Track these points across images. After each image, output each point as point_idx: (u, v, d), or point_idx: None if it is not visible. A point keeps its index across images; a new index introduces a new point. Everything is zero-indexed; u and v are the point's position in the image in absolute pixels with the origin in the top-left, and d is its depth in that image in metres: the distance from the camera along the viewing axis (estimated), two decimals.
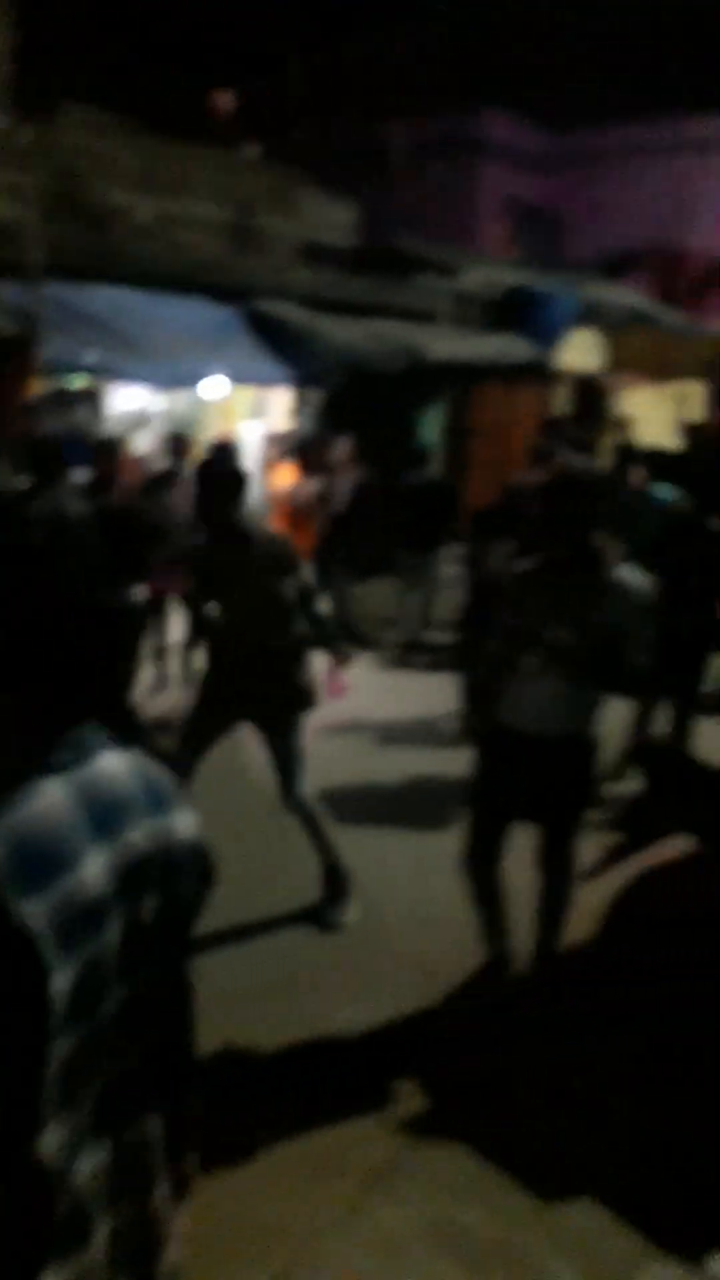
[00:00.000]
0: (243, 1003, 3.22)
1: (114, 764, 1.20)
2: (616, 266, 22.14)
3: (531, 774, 3.12)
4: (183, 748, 4.00)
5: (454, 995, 3.41)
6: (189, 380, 8.59)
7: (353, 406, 9.63)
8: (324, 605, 4.31)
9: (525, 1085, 2.99)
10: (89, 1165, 1.15)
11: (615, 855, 3.56)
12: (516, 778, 3.16)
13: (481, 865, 3.31)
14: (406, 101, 21.06)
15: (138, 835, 1.18)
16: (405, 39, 21.07)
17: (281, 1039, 3.17)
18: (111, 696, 1.33)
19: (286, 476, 8.20)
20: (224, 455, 6.96)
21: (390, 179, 13.71)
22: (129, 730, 1.28)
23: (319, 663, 4.07)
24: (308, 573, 4.11)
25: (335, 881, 4.06)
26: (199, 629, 4.67)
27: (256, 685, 3.89)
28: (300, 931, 3.88)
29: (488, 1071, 3.04)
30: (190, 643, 6.16)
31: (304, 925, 3.90)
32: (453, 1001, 3.38)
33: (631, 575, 3.14)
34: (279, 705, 3.96)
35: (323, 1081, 2.96)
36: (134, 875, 1.16)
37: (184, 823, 1.27)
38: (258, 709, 3.97)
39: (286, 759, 3.97)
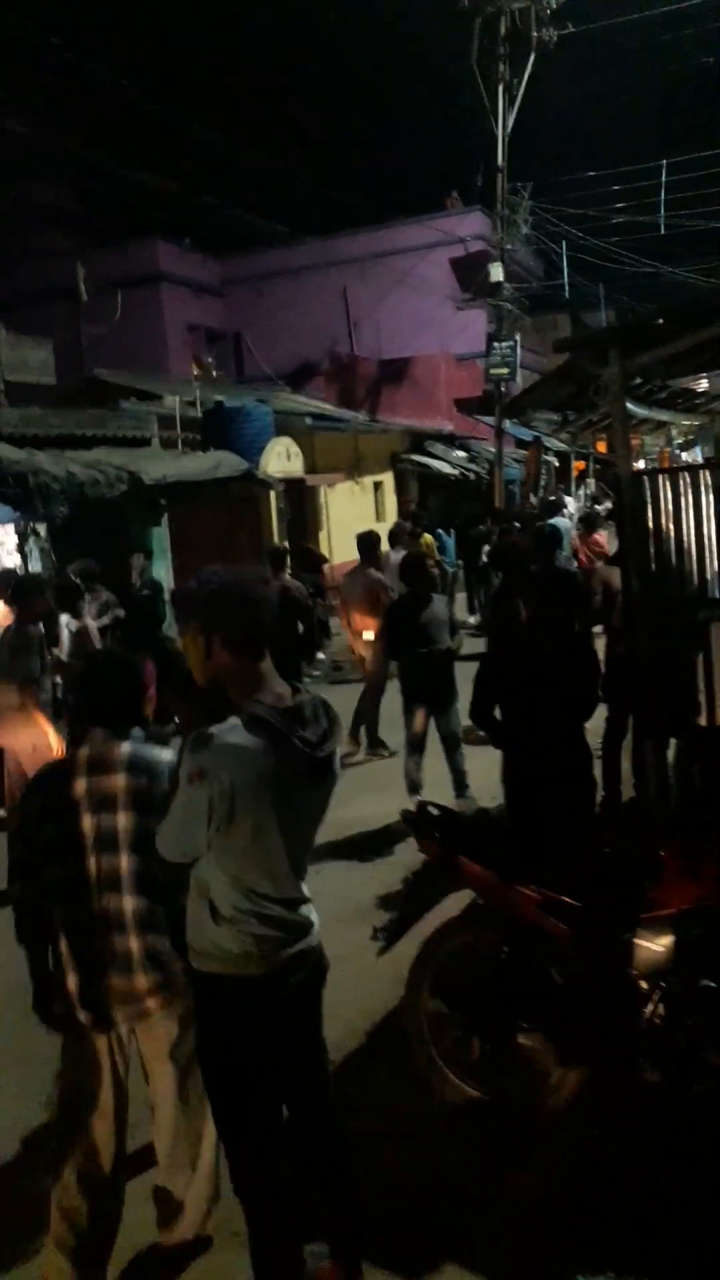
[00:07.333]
0: None
1: None
2: (297, 377, 23.95)
3: None
4: None
5: None
6: None
7: (79, 535, 9.96)
8: None
9: None
10: None
11: (400, 925, 3.42)
12: None
13: None
14: (80, 240, 21.92)
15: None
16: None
17: None
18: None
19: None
20: None
21: (79, 316, 14.33)
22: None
23: None
24: None
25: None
26: None
27: None
28: None
29: None
30: None
31: None
32: None
33: None
34: None
35: None
36: None
37: None
38: None
39: None
